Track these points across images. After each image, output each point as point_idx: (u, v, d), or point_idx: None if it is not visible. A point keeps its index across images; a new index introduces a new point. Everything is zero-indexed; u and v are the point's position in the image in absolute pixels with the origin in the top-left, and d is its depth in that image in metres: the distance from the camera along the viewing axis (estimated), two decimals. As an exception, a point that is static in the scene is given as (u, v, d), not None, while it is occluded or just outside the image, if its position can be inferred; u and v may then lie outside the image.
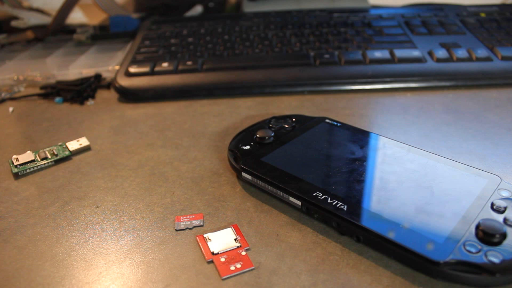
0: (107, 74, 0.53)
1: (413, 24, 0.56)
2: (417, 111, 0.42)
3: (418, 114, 0.41)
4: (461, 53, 0.48)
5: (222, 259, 0.25)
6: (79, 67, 0.54)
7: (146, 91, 0.47)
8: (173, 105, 0.46)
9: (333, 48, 0.51)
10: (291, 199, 0.28)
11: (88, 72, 0.53)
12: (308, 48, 0.51)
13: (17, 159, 0.36)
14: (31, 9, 0.75)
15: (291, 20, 0.60)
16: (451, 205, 0.26)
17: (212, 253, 0.26)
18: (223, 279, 0.24)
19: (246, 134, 0.35)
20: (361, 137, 0.34)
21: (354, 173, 0.29)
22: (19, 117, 0.46)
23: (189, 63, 0.50)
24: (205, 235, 0.27)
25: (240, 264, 0.25)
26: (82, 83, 0.50)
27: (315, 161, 0.31)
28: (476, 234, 0.24)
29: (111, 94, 0.50)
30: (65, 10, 0.67)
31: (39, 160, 0.36)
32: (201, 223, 0.29)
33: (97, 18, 0.77)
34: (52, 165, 0.37)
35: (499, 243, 0.23)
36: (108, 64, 0.55)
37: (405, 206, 0.26)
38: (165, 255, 0.26)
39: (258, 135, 0.34)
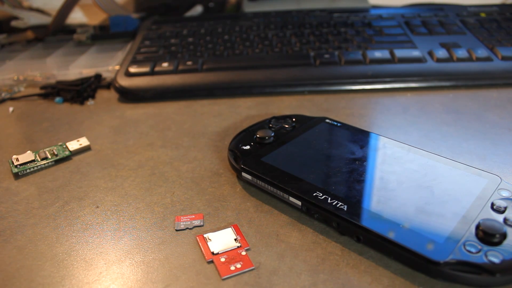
0: (107, 74, 0.53)
1: (413, 24, 0.56)
2: (417, 111, 0.42)
3: (418, 114, 0.41)
4: (461, 53, 0.48)
5: (222, 259, 0.25)
6: (79, 67, 0.54)
7: (146, 91, 0.47)
8: (173, 105, 0.46)
9: (333, 48, 0.51)
10: (291, 199, 0.28)
11: (88, 72, 0.53)
12: (308, 48, 0.51)
13: (17, 159, 0.36)
14: (31, 9, 0.75)
15: (291, 20, 0.60)
16: (451, 205, 0.26)
17: (212, 253, 0.26)
18: (223, 279, 0.24)
19: (246, 134, 0.35)
20: (361, 137, 0.34)
21: (354, 173, 0.29)
22: (19, 117, 0.46)
23: (189, 63, 0.50)
24: (205, 235, 0.27)
25: (240, 264, 0.25)
26: (82, 83, 0.50)
27: (315, 161, 0.31)
28: (476, 234, 0.24)
29: (111, 94, 0.50)
30: (65, 10, 0.67)
31: (39, 160, 0.36)
32: (201, 223, 0.29)
33: (97, 18, 0.77)
34: (52, 165, 0.37)
35: (499, 243, 0.23)
36: (108, 64, 0.55)
37: (405, 206, 0.26)
38: (165, 255, 0.26)
39: (258, 135, 0.34)
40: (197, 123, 0.42)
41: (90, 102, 0.48)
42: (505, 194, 0.27)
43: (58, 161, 0.37)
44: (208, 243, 0.27)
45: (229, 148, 0.34)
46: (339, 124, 0.36)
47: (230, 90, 0.47)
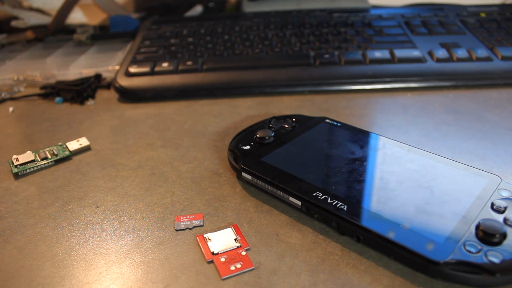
0: (107, 74, 0.53)
1: (413, 24, 0.56)
2: (417, 111, 0.42)
3: (418, 114, 0.41)
4: (461, 53, 0.48)
5: (222, 259, 0.25)
6: (79, 67, 0.54)
7: (146, 91, 0.47)
8: (173, 105, 0.46)
9: (333, 48, 0.51)
10: (291, 199, 0.28)
11: (88, 72, 0.53)
12: (308, 48, 0.51)
13: (17, 159, 0.36)
14: (31, 9, 0.75)
15: (291, 20, 0.60)
16: (451, 205, 0.26)
17: (212, 253, 0.26)
18: (223, 279, 0.24)
19: (246, 134, 0.35)
20: (361, 137, 0.34)
21: (354, 173, 0.29)
22: (19, 117, 0.46)
23: (189, 63, 0.50)
24: (205, 235, 0.27)
25: (240, 264, 0.25)
26: (82, 83, 0.50)
27: (315, 161, 0.31)
28: (476, 234, 0.24)
29: (111, 94, 0.50)
30: (65, 10, 0.67)
31: (39, 160, 0.36)
32: (201, 223, 0.29)
33: (97, 18, 0.77)
34: (52, 165, 0.37)
35: (499, 243, 0.23)
36: (108, 64, 0.55)
37: (405, 206, 0.26)
38: (165, 255, 0.26)
39: (258, 135, 0.34)
40: (197, 123, 0.42)
41: (90, 102, 0.48)
42: (505, 194, 0.27)
43: (58, 161, 0.37)
44: (208, 243, 0.27)
45: (229, 148, 0.34)
46: (339, 124, 0.36)
47: (230, 90, 0.47)
